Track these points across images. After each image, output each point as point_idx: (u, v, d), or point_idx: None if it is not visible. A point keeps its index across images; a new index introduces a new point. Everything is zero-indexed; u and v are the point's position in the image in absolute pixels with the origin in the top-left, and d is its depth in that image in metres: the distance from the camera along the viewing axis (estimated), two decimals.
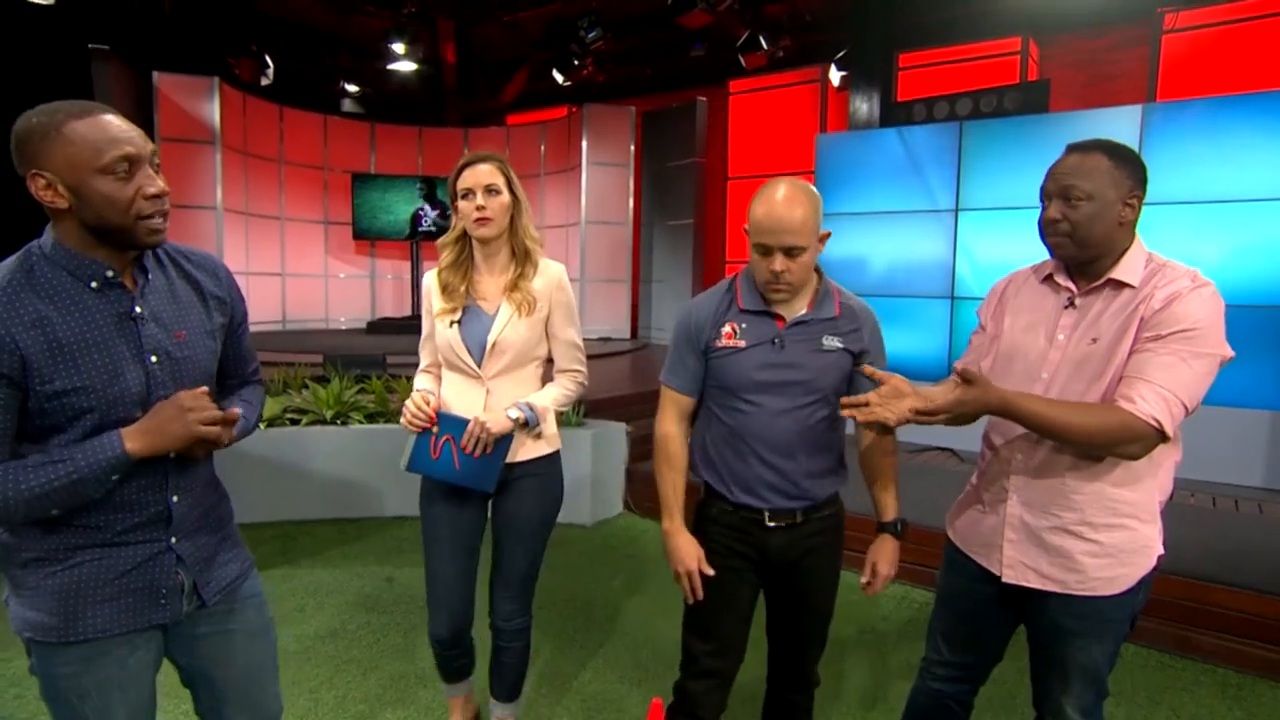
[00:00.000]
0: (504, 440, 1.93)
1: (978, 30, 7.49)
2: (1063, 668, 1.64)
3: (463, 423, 1.89)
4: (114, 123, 1.23)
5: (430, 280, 2.04)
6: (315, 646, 3.03)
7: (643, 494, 4.64)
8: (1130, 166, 1.53)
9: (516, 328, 1.96)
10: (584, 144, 9.14)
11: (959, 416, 1.47)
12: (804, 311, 1.74)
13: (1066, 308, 1.60)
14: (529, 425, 1.96)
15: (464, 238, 2.00)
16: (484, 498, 2.05)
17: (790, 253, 1.63)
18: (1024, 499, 1.62)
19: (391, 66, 9.32)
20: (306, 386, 4.90)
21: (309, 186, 9.92)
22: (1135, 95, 7.09)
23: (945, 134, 5.43)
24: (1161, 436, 1.42)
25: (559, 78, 9.30)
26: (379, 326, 9.53)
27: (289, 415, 4.52)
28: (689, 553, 1.76)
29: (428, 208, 9.91)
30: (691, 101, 8.87)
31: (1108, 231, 1.52)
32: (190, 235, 8.02)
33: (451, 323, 1.96)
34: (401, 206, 9.94)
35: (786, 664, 1.94)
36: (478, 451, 1.89)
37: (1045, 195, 1.59)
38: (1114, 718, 2.62)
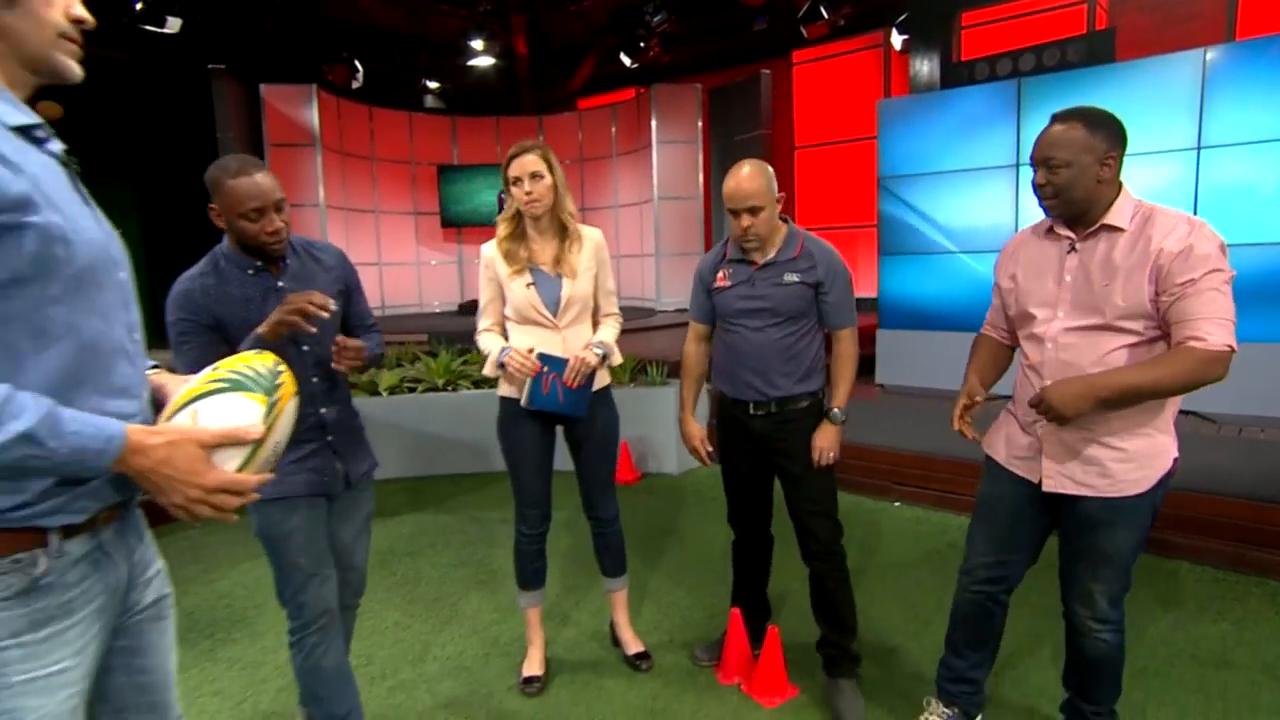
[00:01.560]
0: (592, 373, 2.40)
1: None
2: (1091, 555, 1.90)
3: (564, 362, 2.34)
4: (257, 181, 1.84)
5: (491, 251, 2.44)
6: (449, 573, 3.58)
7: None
8: (1106, 130, 1.75)
9: (580, 286, 2.43)
10: (653, 123, 9.47)
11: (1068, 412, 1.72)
12: (771, 256, 2.35)
13: (1069, 253, 1.85)
14: (606, 359, 2.44)
15: (518, 214, 2.41)
16: (554, 425, 2.52)
17: (753, 211, 2.24)
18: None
19: (472, 63, 9.85)
20: (418, 360, 5.50)
21: (399, 180, 10.62)
22: (1213, 37, 6.93)
23: (1004, 92, 5.55)
24: (1231, 352, 1.66)
25: (626, 61, 9.65)
26: (469, 308, 10.17)
27: (407, 384, 5.11)
28: (692, 434, 2.54)
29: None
30: (756, 75, 9.06)
31: (1089, 190, 1.76)
32: (299, 230, 8.75)
33: (528, 285, 2.39)
34: (484, 194, 10.54)
35: (802, 535, 2.45)
36: (578, 383, 2.35)
37: (1033, 162, 1.83)
38: (1161, 623, 2.88)
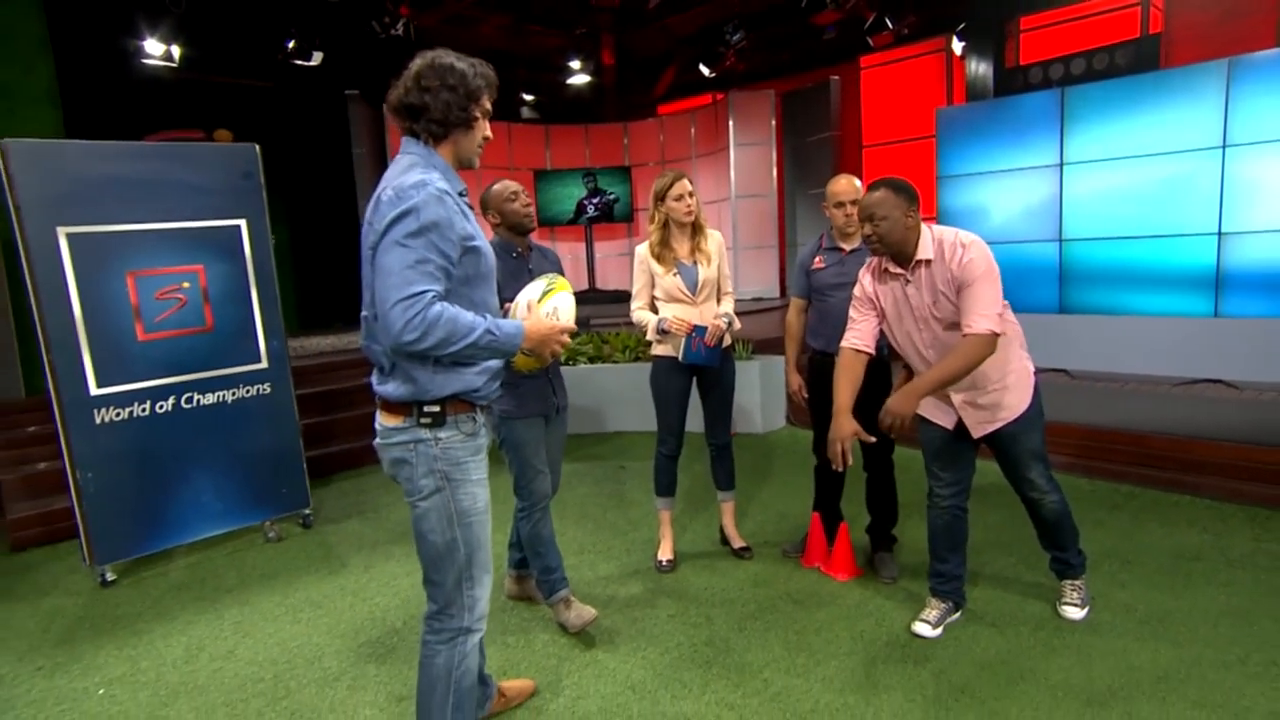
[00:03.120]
0: (721, 335, 3.34)
1: None
2: (1023, 456, 2.70)
3: (704, 328, 3.28)
4: (503, 181, 2.93)
5: (644, 251, 3.37)
6: (588, 499, 4.61)
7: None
8: (906, 192, 2.50)
9: (709, 272, 3.38)
10: (730, 126, 10.32)
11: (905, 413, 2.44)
12: (856, 245, 3.23)
13: (906, 285, 2.60)
14: (731, 325, 3.37)
15: (666, 222, 3.36)
16: (692, 376, 3.45)
17: (854, 203, 3.13)
18: (956, 390, 2.63)
19: (570, 81, 10.89)
20: None
21: None
22: (1266, 34, 7.31)
23: (1049, 101, 6.24)
24: (995, 335, 2.39)
25: (705, 71, 10.53)
26: None
27: None
28: (792, 381, 3.49)
29: (592, 197, 11.52)
30: (826, 81, 9.83)
31: (902, 235, 2.50)
32: None
33: (674, 274, 3.34)
34: (571, 198, 11.61)
35: (866, 448, 3.25)
36: (713, 342, 3.29)
37: (860, 220, 2.57)
38: (1153, 535, 3.66)
